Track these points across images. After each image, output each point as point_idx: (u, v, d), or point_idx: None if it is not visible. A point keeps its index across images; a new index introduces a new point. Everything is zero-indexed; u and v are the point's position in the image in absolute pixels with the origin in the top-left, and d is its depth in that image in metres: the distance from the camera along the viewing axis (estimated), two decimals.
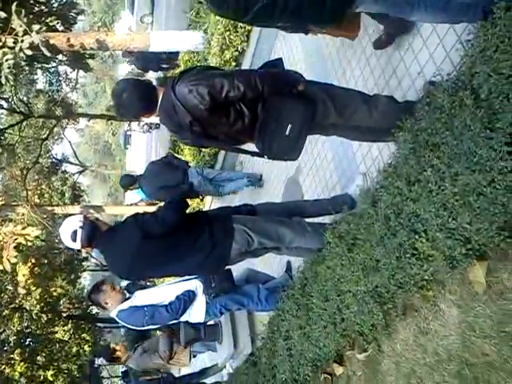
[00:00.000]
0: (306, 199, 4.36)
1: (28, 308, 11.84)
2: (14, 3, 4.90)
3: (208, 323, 4.76)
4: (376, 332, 2.49)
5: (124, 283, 4.54)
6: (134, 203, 5.99)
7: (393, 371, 2.42)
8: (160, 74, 10.68)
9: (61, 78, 16.30)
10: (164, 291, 3.80)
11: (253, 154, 2.74)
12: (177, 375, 7.00)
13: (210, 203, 8.39)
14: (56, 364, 13.68)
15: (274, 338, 3.51)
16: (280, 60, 2.69)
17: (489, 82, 1.68)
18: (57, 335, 13.56)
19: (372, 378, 2.61)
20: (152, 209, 5.10)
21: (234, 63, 6.13)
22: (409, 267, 2.05)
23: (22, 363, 12.21)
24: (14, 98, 12.99)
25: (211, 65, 5.99)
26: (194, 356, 5.90)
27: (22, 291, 10.44)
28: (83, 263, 15.88)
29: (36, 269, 10.37)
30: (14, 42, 5.07)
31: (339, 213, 2.80)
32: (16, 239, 6.07)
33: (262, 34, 5.52)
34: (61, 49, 5.68)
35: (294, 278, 3.42)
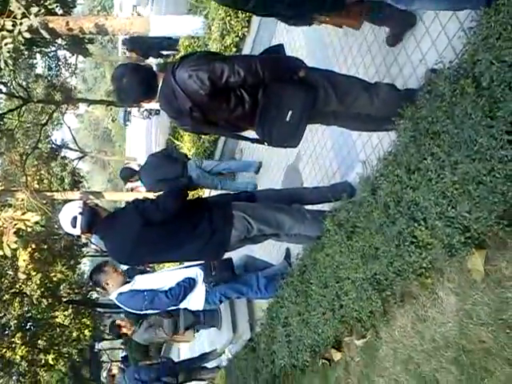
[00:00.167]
0: (305, 186, 4.36)
1: (28, 293, 11.91)
2: None
3: (207, 309, 4.79)
4: (374, 319, 2.51)
5: (124, 268, 4.56)
6: (134, 187, 5.97)
7: (390, 357, 2.44)
8: (160, 60, 10.62)
9: (60, 63, 16.18)
10: (165, 277, 3.82)
11: (253, 140, 2.73)
12: (176, 360, 7.07)
13: (209, 190, 8.40)
14: (57, 348, 13.81)
15: (272, 324, 3.53)
16: (281, 46, 2.67)
17: (491, 70, 1.67)
18: (57, 320, 13.66)
19: (370, 364, 2.63)
20: (151, 194, 5.11)
21: (234, 49, 6.09)
22: (407, 255, 2.06)
23: (22, 347, 12.33)
24: (13, 82, 12.92)
25: (211, 50, 5.96)
26: (197, 331, 5.97)
27: (22, 276, 10.49)
28: (83, 249, 15.94)
29: (36, 254, 10.41)
30: (13, 25, 5.04)
31: (339, 200, 2.80)
32: (16, 224, 6.07)
33: (263, 19, 5.47)
34: (60, 33, 5.64)
35: (293, 265, 3.43)
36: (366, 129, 3.08)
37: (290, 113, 2.46)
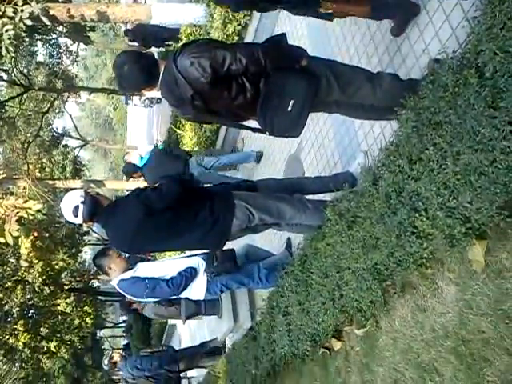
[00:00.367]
0: (307, 176, 4.36)
1: (30, 280, 11.97)
2: None
3: (208, 298, 4.81)
4: (374, 308, 2.52)
5: (126, 256, 4.57)
6: (135, 172, 5.98)
7: (390, 347, 2.45)
8: (162, 49, 10.59)
9: (61, 51, 16.12)
10: (166, 265, 3.83)
11: (254, 130, 2.72)
12: (177, 348, 7.12)
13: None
14: (59, 335, 13.92)
15: (273, 313, 3.55)
16: (283, 35, 2.65)
17: (494, 60, 1.66)
18: (59, 307, 13.75)
19: (369, 354, 2.65)
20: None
21: (236, 37, 6.05)
22: (408, 245, 2.06)
23: (25, 334, 12.43)
24: (15, 70, 12.88)
25: (213, 38, 5.92)
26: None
27: (24, 264, 10.54)
28: (84, 237, 16.00)
29: (38, 242, 10.45)
30: (14, 12, 5.01)
31: (340, 190, 2.80)
32: (18, 212, 6.09)
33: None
34: (61, 20, 5.61)
35: (294, 255, 3.44)
36: (368, 117, 3.07)
37: (291, 102, 2.45)
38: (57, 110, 17.39)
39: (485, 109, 1.65)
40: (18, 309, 12.39)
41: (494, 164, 1.62)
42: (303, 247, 3.16)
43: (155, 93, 2.68)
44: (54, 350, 13.59)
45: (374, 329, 2.59)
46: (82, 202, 2.99)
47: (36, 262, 11.11)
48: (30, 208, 6.22)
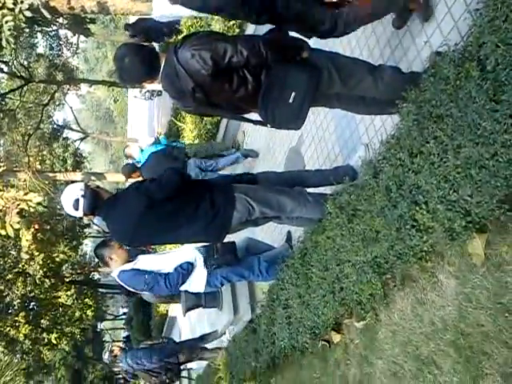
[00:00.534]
0: (307, 169, 4.36)
1: (31, 273, 12.01)
2: None
3: (208, 291, 4.83)
4: (374, 301, 2.52)
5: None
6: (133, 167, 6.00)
7: (389, 339, 2.46)
8: (162, 44, 10.58)
9: (61, 43, 16.06)
10: (165, 259, 3.83)
11: (255, 122, 2.72)
12: (177, 340, 7.15)
13: None
14: (59, 327, 13.98)
15: (273, 306, 3.56)
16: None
17: (496, 53, 1.65)
18: (60, 300, 13.81)
19: (369, 346, 2.66)
20: None
21: (237, 30, 6.02)
22: (408, 238, 2.06)
23: (26, 326, 12.48)
24: (15, 62, 12.84)
25: (214, 30, 5.89)
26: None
27: (25, 256, 10.56)
28: (85, 230, 16.02)
29: (39, 234, 10.47)
30: (14, 3, 4.99)
31: (340, 183, 2.80)
32: (18, 205, 6.10)
33: None
34: (61, 11, 5.59)
35: (294, 248, 3.44)
36: (370, 112, 3.06)
37: (293, 94, 2.44)
38: (57, 103, 17.37)
39: (486, 102, 1.64)
40: (18, 301, 12.44)
41: (495, 157, 1.62)
42: (303, 240, 3.16)
43: (156, 85, 2.68)
44: (54, 341, 13.66)
45: (373, 321, 2.60)
46: (83, 196, 2.99)
47: (37, 254, 11.13)
48: (30, 200, 6.23)
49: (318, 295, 2.85)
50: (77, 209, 3.00)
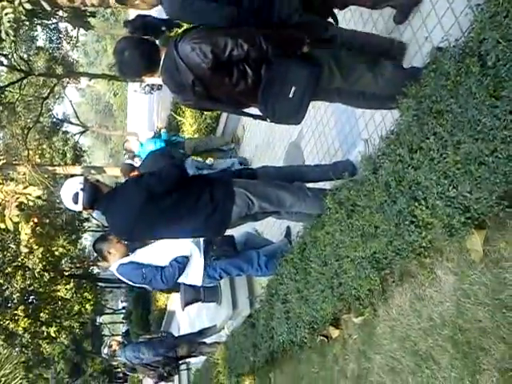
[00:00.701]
0: (307, 164, 4.36)
1: (31, 266, 12.03)
2: None
3: (207, 285, 4.83)
4: (372, 297, 2.53)
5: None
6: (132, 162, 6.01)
7: (388, 335, 2.47)
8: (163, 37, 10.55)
9: (61, 36, 16.01)
10: (161, 251, 3.81)
11: (255, 116, 2.71)
12: (176, 334, 7.17)
13: None
14: (59, 321, 14.03)
15: (272, 300, 3.57)
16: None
17: (497, 49, 1.64)
18: (59, 293, 13.84)
19: (367, 341, 2.67)
20: None
21: None
22: (407, 234, 2.06)
23: (25, 319, 12.52)
24: (14, 54, 12.80)
25: None
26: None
27: (24, 250, 10.58)
28: (84, 224, 16.04)
29: (38, 228, 10.48)
30: None
31: (340, 179, 2.80)
32: (18, 198, 6.09)
33: None
34: (61, 4, 5.57)
35: (294, 243, 3.45)
36: (370, 106, 3.05)
37: (293, 89, 2.43)
38: (57, 96, 17.34)
39: (486, 98, 1.64)
40: (18, 294, 12.47)
41: (495, 154, 1.62)
42: (303, 235, 3.16)
43: (156, 79, 2.67)
44: (53, 335, 13.71)
45: (371, 317, 2.61)
46: (82, 189, 2.98)
47: (36, 247, 11.15)
48: (30, 194, 6.22)
49: (317, 290, 2.85)
50: (76, 202, 3.00)
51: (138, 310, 18.12)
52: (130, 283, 3.95)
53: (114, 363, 11.48)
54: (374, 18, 3.47)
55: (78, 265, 15.47)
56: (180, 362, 6.51)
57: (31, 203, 6.81)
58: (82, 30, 14.99)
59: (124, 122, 43.46)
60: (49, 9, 5.38)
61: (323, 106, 4.26)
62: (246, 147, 6.93)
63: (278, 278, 3.42)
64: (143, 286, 3.87)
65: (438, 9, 2.77)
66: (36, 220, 10.10)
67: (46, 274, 12.61)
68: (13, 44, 9.72)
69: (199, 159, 6.62)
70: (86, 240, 21.93)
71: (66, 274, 14.50)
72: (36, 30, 14.33)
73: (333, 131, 4.15)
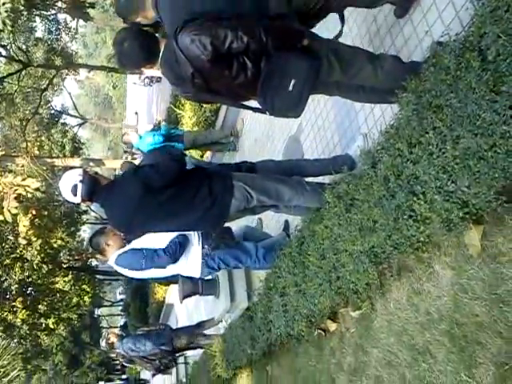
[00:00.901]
0: (306, 158, 4.35)
1: (29, 258, 12.04)
2: None
3: (206, 278, 4.84)
4: (370, 291, 2.54)
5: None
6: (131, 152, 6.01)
7: (385, 329, 2.48)
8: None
9: (60, 27, 15.93)
10: (160, 236, 3.79)
11: (255, 109, 2.70)
12: (174, 327, 7.19)
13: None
14: (57, 313, 14.05)
15: (269, 294, 3.57)
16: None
17: (497, 44, 1.64)
18: (57, 285, 13.86)
19: (364, 335, 2.68)
20: None
21: None
22: (405, 229, 2.07)
23: (23, 311, 12.54)
24: (13, 45, 12.73)
25: None
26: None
27: (22, 241, 10.57)
28: (83, 216, 16.04)
29: (36, 220, 10.47)
30: None
31: (339, 173, 2.80)
32: (16, 190, 6.09)
33: None
34: None
35: (292, 237, 3.45)
36: (369, 100, 3.04)
37: (292, 82, 2.43)
38: (56, 88, 17.28)
39: (486, 93, 1.63)
40: (16, 286, 12.49)
41: (494, 149, 1.62)
42: (301, 229, 3.17)
43: (155, 71, 2.66)
44: (52, 327, 13.74)
45: (369, 311, 2.62)
46: (81, 181, 2.98)
47: (34, 239, 11.14)
48: (28, 186, 6.22)
49: (315, 284, 2.86)
50: (75, 194, 3.00)
51: (136, 302, 18.17)
52: (130, 274, 3.93)
53: (112, 355, 11.52)
54: (374, 12, 3.46)
55: (76, 257, 15.47)
56: (177, 354, 6.54)
57: (30, 195, 6.80)
58: (81, 21, 14.90)
59: (123, 114, 43.31)
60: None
61: (323, 99, 4.25)
62: (246, 140, 6.92)
63: (276, 272, 3.43)
64: (143, 271, 3.80)
65: (439, 3, 2.76)
66: (34, 212, 10.10)
67: (45, 265, 12.62)
68: (11, 35, 9.66)
69: (196, 157, 6.61)
70: (85, 232, 21.93)
71: (65, 266, 14.51)
72: (35, 21, 14.25)
73: (332, 125, 4.15)
